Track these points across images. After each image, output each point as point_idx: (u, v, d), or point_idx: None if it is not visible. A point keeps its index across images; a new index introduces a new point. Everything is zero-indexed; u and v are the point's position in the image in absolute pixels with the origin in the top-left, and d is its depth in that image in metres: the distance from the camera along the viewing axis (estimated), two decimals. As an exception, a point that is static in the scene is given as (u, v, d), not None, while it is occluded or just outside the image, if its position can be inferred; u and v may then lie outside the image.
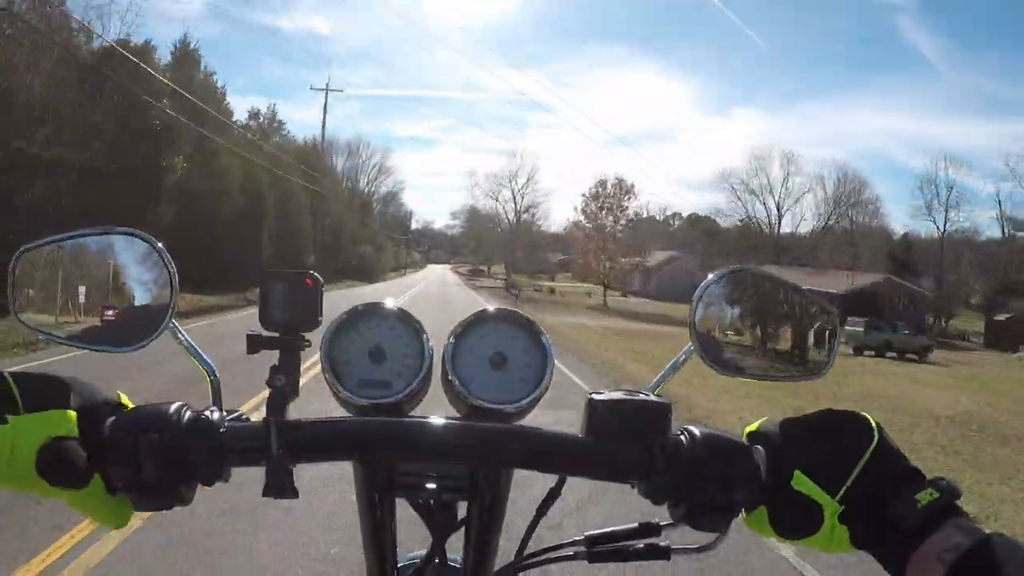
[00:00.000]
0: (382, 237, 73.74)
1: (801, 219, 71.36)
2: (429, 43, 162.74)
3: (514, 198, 66.45)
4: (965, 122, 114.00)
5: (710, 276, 0.71)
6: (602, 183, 48.86)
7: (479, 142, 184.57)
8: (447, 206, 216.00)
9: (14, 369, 0.58)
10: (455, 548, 0.72)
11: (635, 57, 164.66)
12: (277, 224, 31.65)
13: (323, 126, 52.06)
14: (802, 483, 0.56)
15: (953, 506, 0.52)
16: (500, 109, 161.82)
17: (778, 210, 67.15)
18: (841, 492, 0.55)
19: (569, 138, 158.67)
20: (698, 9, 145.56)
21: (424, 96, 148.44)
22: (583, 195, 50.11)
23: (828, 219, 65.10)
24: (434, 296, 34.05)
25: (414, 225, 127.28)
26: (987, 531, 0.50)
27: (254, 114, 39.15)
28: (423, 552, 0.73)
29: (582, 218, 49.77)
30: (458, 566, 0.71)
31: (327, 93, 41.02)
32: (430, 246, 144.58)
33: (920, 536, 0.50)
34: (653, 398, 0.62)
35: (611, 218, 48.49)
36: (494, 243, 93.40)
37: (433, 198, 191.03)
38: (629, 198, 48.82)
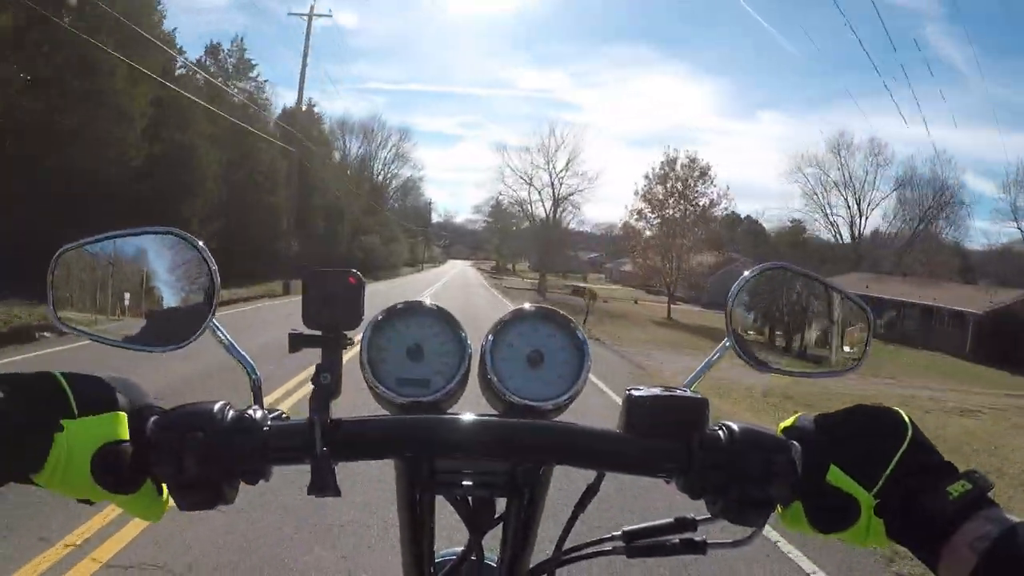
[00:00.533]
0: (395, 227, 64.04)
1: (880, 220, 62.53)
2: (454, 38, 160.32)
3: (552, 183, 55.25)
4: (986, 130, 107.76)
5: (746, 273, 0.71)
6: (671, 161, 36.91)
7: (503, 139, 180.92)
8: (470, 201, 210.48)
9: (62, 371, 0.56)
10: (490, 546, 0.72)
11: (660, 58, 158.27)
12: (233, 197, 22.79)
13: (304, 59, 27.31)
14: (838, 478, 0.57)
15: (985, 497, 0.53)
16: (524, 107, 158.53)
17: (858, 206, 57.36)
18: (877, 486, 0.56)
19: (593, 138, 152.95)
20: (719, 12, 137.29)
21: (448, 92, 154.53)
22: (646, 176, 38.29)
23: (920, 222, 55.14)
24: (455, 303, 25.00)
25: (435, 218, 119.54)
26: (1016, 520, 0.51)
27: (213, 49, 27.04)
28: (458, 549, 0.73)
29: (643, 205, 37.67)
30: (494, 564, 0.72)
31: (310, 19, 27.55)
32: (451, 240, 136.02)
33: (953, 527, 0.51)
34: (690, 394, 0.62)
35: (682, 206, 36.61)
36: (520, 238, 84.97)
37: (456, 194, 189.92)
38: (704, 182, 36.87)
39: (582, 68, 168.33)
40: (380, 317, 0.65)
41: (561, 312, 0.68)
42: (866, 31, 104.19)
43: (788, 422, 0.63)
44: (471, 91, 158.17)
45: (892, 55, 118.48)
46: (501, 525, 0.70)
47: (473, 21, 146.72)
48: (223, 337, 0.64)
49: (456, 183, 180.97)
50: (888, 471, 0.56)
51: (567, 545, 0.69)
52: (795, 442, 0.59)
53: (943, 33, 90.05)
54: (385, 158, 71.90)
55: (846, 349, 0.75)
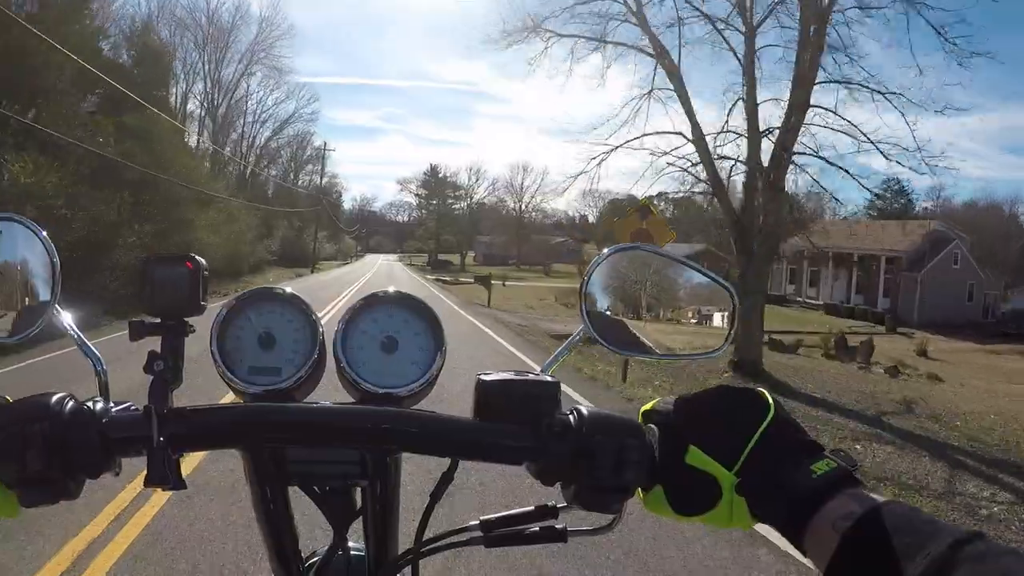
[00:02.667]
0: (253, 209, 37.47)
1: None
2: (377, 30, 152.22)
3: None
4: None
5: (603, 252, 0.70)
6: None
7: (426, 133, 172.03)
8: (392, 195, 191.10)
9: None
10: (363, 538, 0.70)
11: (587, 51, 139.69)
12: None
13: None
14: (697, 458, 0.56)
15: (850, 476, 0.52)
16: (448, 99, 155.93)
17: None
18: (737, 465, 0.55)
19: (515, 130, 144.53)
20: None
21: (367, 84, 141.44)
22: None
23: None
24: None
25: (348, 204, 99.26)
26: (881, 499, 0.50)
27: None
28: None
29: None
30: (363, 554, 0.72)
31: None
32: (367, 230, 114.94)
33: (815, 505, 0.50)
34: (541, 377, 0.61)
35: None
36: (464, 221, 67.12)
37: (377, 187, 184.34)
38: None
39: (504, 59, 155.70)
40: (230, 305, 0.64)
41: (416, 296, 0.66)
42: None
43: (648, 405, 0.62)
44: (392, 83, 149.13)
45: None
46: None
47: (394, 10, 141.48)
48: (69, 329, 0.62)
49: (376, 177, 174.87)
50: (748, 449, 0.55)
51: (429, 535, 0.67)
52: (653, 426, 0.59)
53: None
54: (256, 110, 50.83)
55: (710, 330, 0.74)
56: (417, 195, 72.04)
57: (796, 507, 0.51)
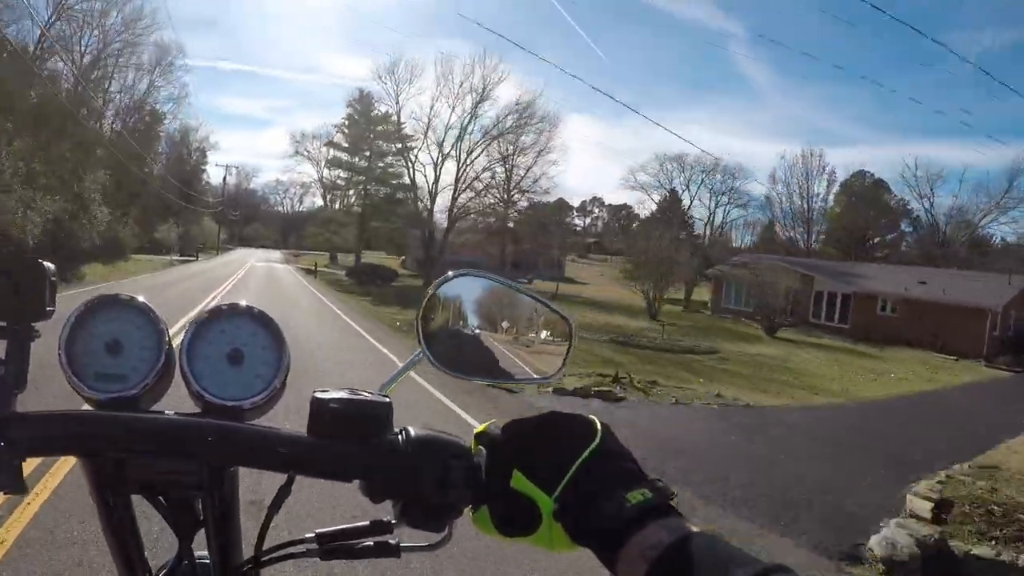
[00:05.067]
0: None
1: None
2: (269, 19, 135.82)
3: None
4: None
5: (447, 274, 0.72)
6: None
7: (314, 126, 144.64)
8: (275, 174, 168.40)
9: None
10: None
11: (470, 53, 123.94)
12: None
13: None
14: (520, 482, 0.57)
15: (665, 506, 0.53)
16: (336, 94, 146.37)
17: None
18: (557, 491, 0.56)
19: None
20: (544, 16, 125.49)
21: (256, 72, 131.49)
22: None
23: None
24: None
25: (217, 175, 68.85)
26: (692, 529, 0.51)
27: None
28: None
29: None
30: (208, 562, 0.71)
31: None
32: (241, 213, 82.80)
33: (627, 533, 0.51)
34: (375, 397, 0.63)
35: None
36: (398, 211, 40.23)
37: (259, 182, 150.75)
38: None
39: (393, 59, 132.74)
40: (79, 311, 0.63)
41: (261, 310, 0.66)
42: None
43: (480, 428, 0.63)
44: (281, 74, 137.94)
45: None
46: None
47: (285, 1, 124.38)
48: None
49: (265, 169, 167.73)
50: (568, 476, 0.56)
51: (269, 545, 0.68)
52: (482, 447, 0.61)
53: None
54: None
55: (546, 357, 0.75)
56: (332, 151, 43.13)
57: (608, 535, 0.52)
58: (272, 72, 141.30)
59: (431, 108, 38.18)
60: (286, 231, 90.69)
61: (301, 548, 0.66)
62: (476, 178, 38.43)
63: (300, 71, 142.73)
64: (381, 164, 42.53)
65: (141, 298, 0.65)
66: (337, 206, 52.45)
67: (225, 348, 0.64)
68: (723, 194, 59.81)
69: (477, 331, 0.75)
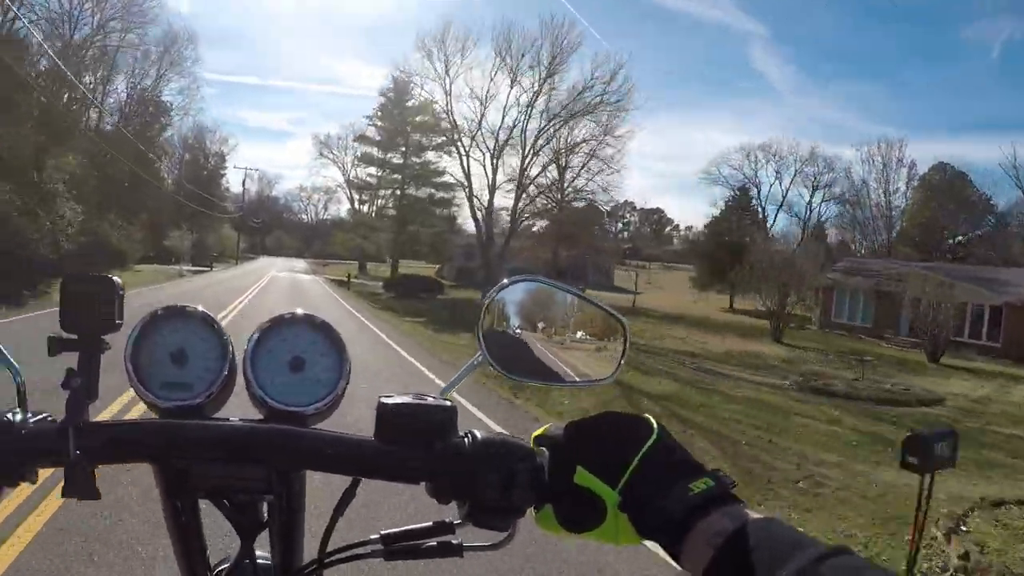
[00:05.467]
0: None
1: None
2: (288, 32, 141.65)
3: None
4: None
5: (503, 282, 0.74)
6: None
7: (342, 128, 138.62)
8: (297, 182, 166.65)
9: None
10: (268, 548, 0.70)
11: (490, 61, 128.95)
12: None
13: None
14: (583, 478, 0.58)
15: (727, 494, 0.54)
16: (356, 104, 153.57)
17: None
18: (621, 484, 0.57)
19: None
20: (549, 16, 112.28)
21: (276, 86, 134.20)
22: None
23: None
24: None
25: (234, 183, 64.40)
26: (755, 515, 0.52)
27: None
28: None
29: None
30: (270, 563, 0.73)
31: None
32: (264, 220, 78.68)
33: (692, 522, 0.52)
34: (439, 402, 0.64)
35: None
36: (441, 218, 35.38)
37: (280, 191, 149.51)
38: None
39: (411, 67, 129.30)
40: (143, 323, 0.65)
41: (323, 319, 0.68)
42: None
43: (540, 431, 0.64)
44: (300, 86, 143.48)
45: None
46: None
47: (303, 15, 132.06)
48: None
49: (287, 179, 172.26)
50: (631, 468, 0.57)
51: (331, 548, 0.69)
52: (544, 448, 0.62)
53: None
54: None
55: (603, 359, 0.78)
56: (362, 146, 38.05)
57: (673, 524, 0.53)
58: (291, 84, 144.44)
59: (486, 88, 32.64)
60: (310, 239, 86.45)
61: (366, 549, 0.67)
62: (542, 171, 33.07)
63: (319, 82, 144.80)
64: (419, 160, 37.45)
65: (203, 308, 0.66)
66: (366, 209, 47.44)
67: (287, 356, 0.66)
68: (825, 187, 53.36)
69: (519, 331, 0.77)
